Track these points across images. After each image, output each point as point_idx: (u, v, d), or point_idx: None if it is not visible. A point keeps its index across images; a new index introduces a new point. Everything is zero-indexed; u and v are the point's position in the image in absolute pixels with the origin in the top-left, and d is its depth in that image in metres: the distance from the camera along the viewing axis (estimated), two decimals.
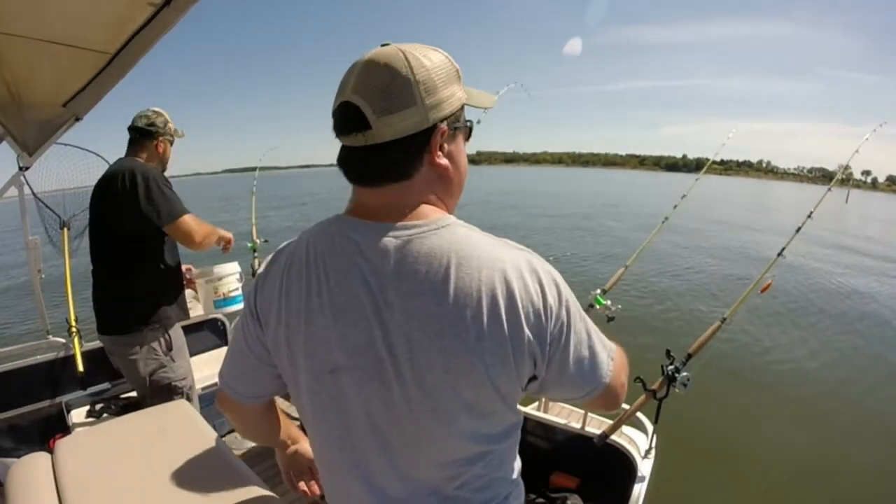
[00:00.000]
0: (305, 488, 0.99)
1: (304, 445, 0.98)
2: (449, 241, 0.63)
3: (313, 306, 0.66)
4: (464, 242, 0.64)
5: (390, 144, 0.63)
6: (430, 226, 0.65)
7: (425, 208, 0.67)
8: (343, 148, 0.67)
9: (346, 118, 0.63)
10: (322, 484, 0.84)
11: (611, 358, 0.73)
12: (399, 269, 0.63)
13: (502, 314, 0.61)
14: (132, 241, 1.88)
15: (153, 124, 1.98)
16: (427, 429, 0.66)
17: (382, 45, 0.66)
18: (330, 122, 0.67)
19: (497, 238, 0.68)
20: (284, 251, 0.73)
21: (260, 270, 0.74)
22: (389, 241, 0.64)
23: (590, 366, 0.70)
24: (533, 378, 0.68)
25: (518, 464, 0.80)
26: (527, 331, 0.62)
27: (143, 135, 1.97)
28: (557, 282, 0.67)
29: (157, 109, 2.03)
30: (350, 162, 0.67)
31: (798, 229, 2.28)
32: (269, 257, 0.74)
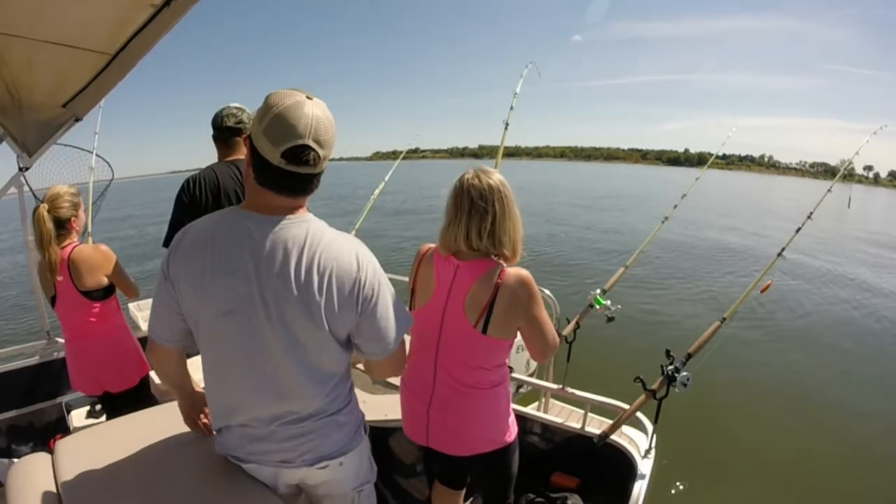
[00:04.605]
0: (202, 426, 1.27)
1: (202, 394, 1.22)
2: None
3: (212, 269, 0.94)
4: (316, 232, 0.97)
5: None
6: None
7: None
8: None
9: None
10: (208, 396, 1.11)
11: (405, 331, 1.08)
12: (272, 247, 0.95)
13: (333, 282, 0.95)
14: None
15: (241, 122, 1.97)
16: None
17: (309, 98, 0.91)
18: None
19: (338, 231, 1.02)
20: (189, 231, 0.99)
21: (172, 245, 0.99)
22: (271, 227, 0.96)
23: (387, 328, 1.04)
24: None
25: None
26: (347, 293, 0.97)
27: (236, 133, 1.97)
28: (375, 265, 1.02)
29: (239, 106, 1.99)
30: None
31: (798, 230, 2.27)
32: (177, 235, 1.00)
